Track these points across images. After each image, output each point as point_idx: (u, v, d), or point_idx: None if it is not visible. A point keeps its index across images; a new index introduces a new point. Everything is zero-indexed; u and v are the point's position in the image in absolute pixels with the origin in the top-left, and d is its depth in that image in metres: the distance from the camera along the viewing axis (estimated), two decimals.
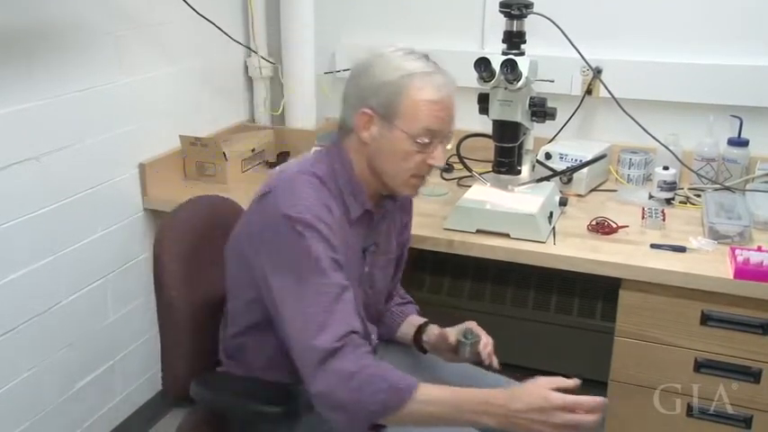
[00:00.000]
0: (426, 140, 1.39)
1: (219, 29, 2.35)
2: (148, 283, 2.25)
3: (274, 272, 1.32)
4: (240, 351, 1.50)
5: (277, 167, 1.47)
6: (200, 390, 1.49)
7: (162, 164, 2.26)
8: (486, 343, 1.53)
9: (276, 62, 2.62)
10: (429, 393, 1.26)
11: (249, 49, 2.60)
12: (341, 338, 1.26)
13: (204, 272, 1.57)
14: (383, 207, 1.53)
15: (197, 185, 2.30)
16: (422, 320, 1.67)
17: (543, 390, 1.21)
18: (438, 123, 1.40)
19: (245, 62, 2.64)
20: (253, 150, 2.44)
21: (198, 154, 2.32)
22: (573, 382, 1.23)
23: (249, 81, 2.68)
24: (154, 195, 2.22)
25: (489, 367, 1.54)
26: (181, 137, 2.31)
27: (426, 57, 1.43)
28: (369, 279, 1.55)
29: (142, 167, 2.19)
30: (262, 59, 2.59)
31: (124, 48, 2.07)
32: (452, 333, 1.55)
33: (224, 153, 2.30)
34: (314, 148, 1.57)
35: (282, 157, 2.54)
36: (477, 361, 1.54)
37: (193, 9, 2.21)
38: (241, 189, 2.29)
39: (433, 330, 1.61)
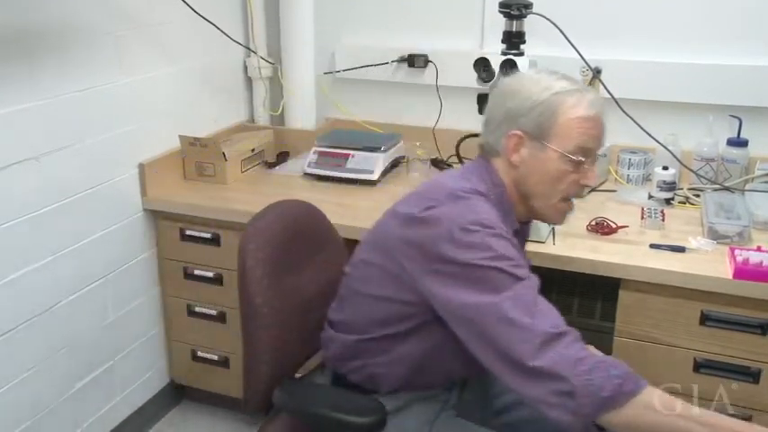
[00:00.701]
0: (581, 159, 1.36)
1: (219, 29, 2.35)
2: (148, 283, 2.28)
3: (464, 287, 1.26)
4: (364, 355, 1.46)
5: (424, 183, 1.44)
6: (285, 398, 1.48)
7: (161, 164, 2.26)
8: None
9: (276, 62, 2.62)
10: (669, 397, 1.16)
11: (249, 49, 2.60)
12: (559, 326, 1.21)
13: (288, 278, 1.56)
14: (524, 230, 1.52)
15: (196, 185, 2.31)
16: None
17: None
18: (592, 141, 1.37)
19: (245, 62, 2.64)
20: (252, 150, 2.45)
21: (197, 154, 2.32)
22: None
23: (249, 81, 2.68)
24: (153, 195, 2.22)
25: None
26: (180, 137, 2.32)
27: (570, 77, 1.41)
28: None
29: (142, 168, 2.19)
30: (261, 60, 2.59)
31: (124, 48, 2.07)
32: None
33: (223, 153, 2.30)
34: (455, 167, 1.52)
35: (282, 157, 2.54)
36: None
37: (193, 9, 2.21)
38: (241, 189, 2.30)
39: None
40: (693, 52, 2.22)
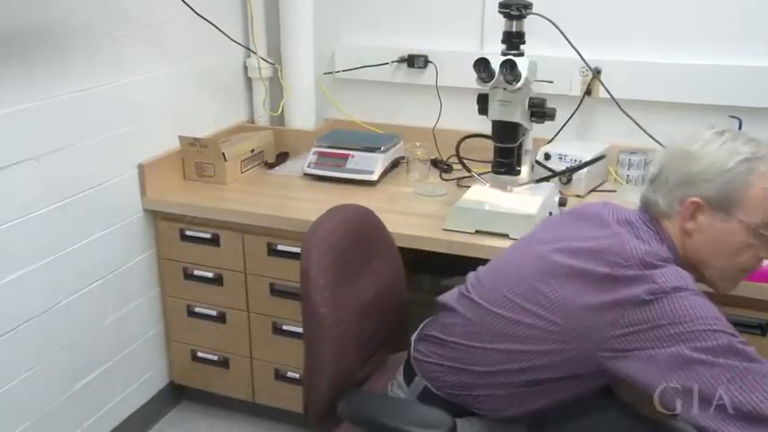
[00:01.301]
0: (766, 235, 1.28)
1: (219, 29, 2.35)
2: (148, 283, 2.28)
3: (695, 334, 1.18)
4: (478, 389, 1.41)
5: (590, 222, 1.38)
6: (351, 409, 1.46)
7: (161, 164, 2.26)
8: None
9: (276, 63, 2.62)
10: None
11: (248, 49, 2.60)
12: None
13: (348, 286, 1.54)
14: None
15: (196, 186, 2.31)
16: None
17: None
18: None
19: (245, 63, 2.64)
20: (252, 151, 2.44)
21: (197, 154, 2.32)
22: None
23: (248, 81, 2.68)
24: (153, 196, 2.22)
25: None
26: (180, 137, 2.32)
27: (754, 138, 1.32)
28: None
29: (141, 168, 2.19)
30: (261, 60, 2.59)
31: (123, 48, 2.07)
32: None
33: (223, 154, 2.30)
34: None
35: (282, 157, 2.54)
36: None
37: (192, 9, 2.21)
38: (240, 190, 2.30)
39: None
40: (693, 53, 2.22)
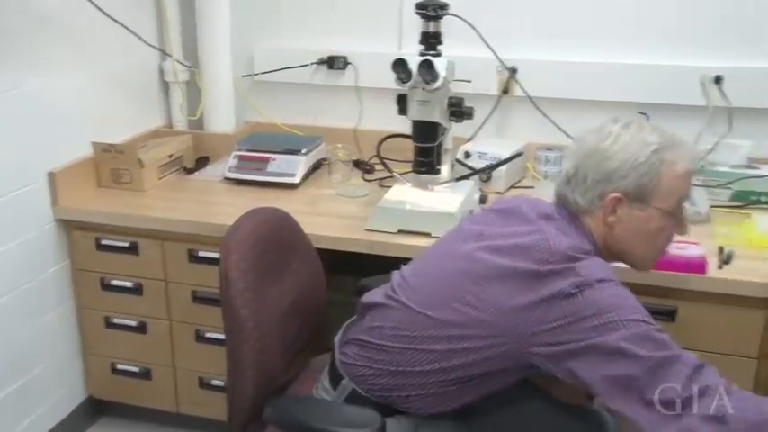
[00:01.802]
0: (683, 213, 1.37)
1: (131, 31, 2.28)
2: (62, 295, 2.20)
3: (618, 325, 1.23)
4: (406, 389, 1.42)
5: (516, 217, 1.41)
6: (277, 414, 1.44)
7: (73, 172, 2.18)
8: None
9: (192, 66, 2.57)
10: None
11: (163, 52, 2.54)
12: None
13: (268, 289, 1.52)
14: None
15: (112, 193, 2.24)
16: None
17: None
18: (689, 192, 1.37)
19: (160, 66, 2.58)
20: (170, 156, 2.39)
21: (112, 161, 2.24)
22: None
23: (165, 85, 2.61)
24: (65, 205, 2.14)
25: None
26: (93, 143, 2.24)
27: (657, 126, 1.39)
28: None
29: (52, 176, 2.10)
30: (177, 63, 2.54)
31: (30, 50, 1.99)
32: None
33: (140, 159, 2.23)
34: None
35: (201, 162, 2.49)
36: None
37: (102, 11, 2.14)
38: (159, 196, 2.24)
39: None
40: (604, 52, 2.30)
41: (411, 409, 1.44)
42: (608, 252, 1.40)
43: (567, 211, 1.41)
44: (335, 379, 1.50)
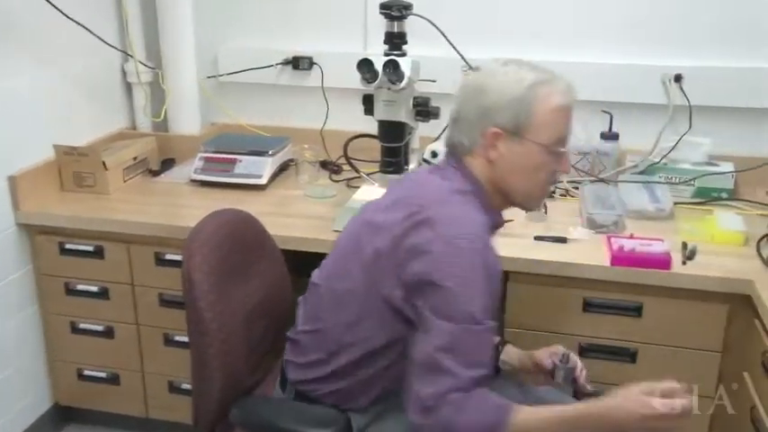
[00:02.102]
0: (561, 149, 1.38)
1: (91, 32, 2.24)
2: (25, 301, 2.16)
3: (441, 290, 1.26)
4: (333, 380, 1.43)
5: (416, 182, 1.44)
6: (244, 415, 1.43)
7: (35, 175, 2.13)
8: (581, 368, 1.51)
9: (156, 67, 2.54)
10: (527, 417, 1.25)
11: (125, 53, 2.50)
12: (473, 381, 1.25)
13: (233, 290, 1.51)
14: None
15: (75, 197, 2.20)
16: (497, 339, 1.60)
17: (642, 397, 1.25)
18: (567, 129, 1.39)
19: (123, 67, 2.54)
20: (135, 159, 2.35)
21: (75, 164, 2.21)
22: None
23: (128, 86, 2.58)
24: (27, 209, 2.10)
25: (582, 393, 1.52)
26: (55, 146, 2.20)
27: (538, 65, 1.40)
28: None
29: (12, 180, 2.06)
30: (140, 64, 2.50)
31: None
32: (544, 356, 1.53)
33: (103, 162, 2.20)
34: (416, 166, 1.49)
35: (167, 164, 2.46)
36: (569, 386, 1.54)
37: (59, 10, 2.10)
38: (124, 199, 2.21)
39: (511, 350, 1.62)
40: (566, 51, 2.32)
41: (345, 404, 1.45)
42: (496, 191, 1.41)
43: (455, 156, 1.42)
44: (283, 381, 1.53)
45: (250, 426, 1.46)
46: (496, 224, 1.45)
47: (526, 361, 1.57)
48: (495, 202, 1.42)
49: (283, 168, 2.39)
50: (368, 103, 1.94)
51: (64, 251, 2.12)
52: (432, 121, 1.99)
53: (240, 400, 1.49)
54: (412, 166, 2.01)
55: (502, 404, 1.25)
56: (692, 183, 2.18)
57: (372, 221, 1.39)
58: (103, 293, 2.14)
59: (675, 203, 2.07)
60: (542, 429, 1.26)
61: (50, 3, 2.07)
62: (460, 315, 1.25)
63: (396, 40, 1.91)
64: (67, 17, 2.12)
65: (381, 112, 1.91)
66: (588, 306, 1.80)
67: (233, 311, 1.51)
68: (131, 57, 2.49)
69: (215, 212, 1.61)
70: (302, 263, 1.92)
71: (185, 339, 2.07)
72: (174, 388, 2.19)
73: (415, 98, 1.92)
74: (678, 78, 2.23)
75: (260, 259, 1.67)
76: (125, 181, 2.30)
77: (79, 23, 2.17)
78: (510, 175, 1.38)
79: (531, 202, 1.47)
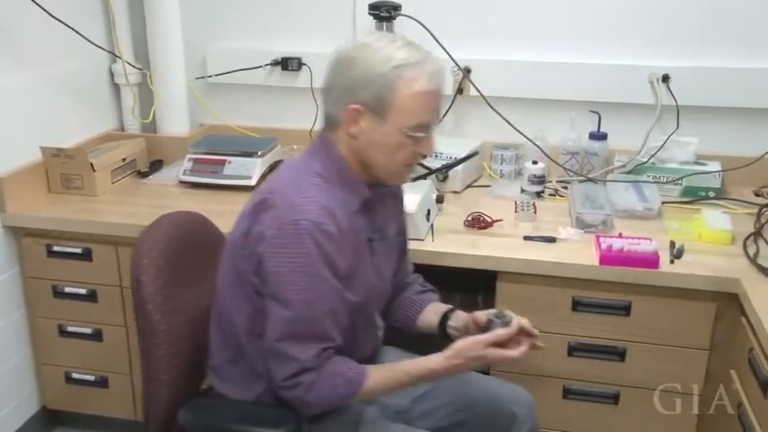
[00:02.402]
0: (420, 135, 1.37)
1: (77, 32, 2.23)
2: (12, 304, 2.15)
3: (276, 276, 1.31)
4: (235, 365, 1.46)
5: (281, 168, 1.46)
6: (192, 417, 1.43)
7: (21, 177, 2.12)
8: (519, 319, 1.47)
9: (144, 68, 2.53)
10: (378, 380, 1.38)
11: (113, 54, 2.49)
12: (316, 357, 1.33)
13: (183, 292, 1.51)
14: (378, 193, 1.48)
15: (63, 199, 2.19)
16: (447, 307, 1.64)
17: (478, 346, 1.38)
18: (431, 115, 1.37)
19: (111, 68, 2.53)
20: (123, 160, 2.34)
21: (62, 166, 2.19)
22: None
23: (116, 88, 2.56)
24: (14, 211, 2.08)
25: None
26: (42, 148, 2.19)
27: (413, 43, 1.37)
28: (377, 268, 1.51)
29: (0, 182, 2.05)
30: (128, 65, 2.49)
31: None
32: (482, 314, 1.53)
33: (91, 164, 2.19)
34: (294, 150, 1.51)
35: (156, 165, 2.45)
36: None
37: (45, 11, 2.08)
38: (112, 201, 2.20)
39: (460, 316, 1.61)
40: (556, 52, 2.33)
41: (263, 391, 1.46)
42: (358, 163, 1.41)
43: (326, 129, 1.42)
44: None
45: (197, 427, 1.45)
46: (365, 199, 1.44)
47: (470, 324, 1.57)
48: (362, 176, 1.42)
49: (273, 169, 2.38)
50: None
51: (51, 253, 2.11)
52: None
53: (189, 401, 1.49)
54: None
55: (352, 376, 1.35)
56: (680, 182, 2.19)
57: (240, 211, 1.42)
58: (91, 296, 2.13)
59: (663, 203, 2.09)
60: (390, 386, 1.40)
61: (36, 3, 2.06)
62: (295, 301, 1.30)
63: None
64: (54, 18, 2.11)
65: None
66: (577, 305, 1.81)
67: (184, 313, 1.51)
68: (119, 58, 2.48)
69: (167, 215, 1.62)
70: None
71: None
72: None
73: None
74: (666, 78, 2.24)
75: (214, 261, 1.65)
76: (113, 182, 2.29)
77: (66, 24, 2.16)
78: (370, 151, 1.38)
79: (392, 179, 1.47)
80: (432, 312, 1.64)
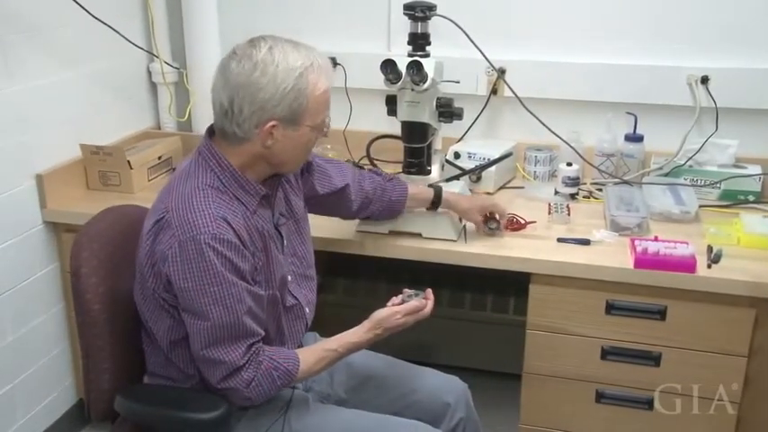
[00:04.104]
0: (326, 123, 1.49)
1: (117, 32, 2.27)
2: (52, 298, 2.19)
3: (185, 292, 1.36)
4: (167, 367, 1.51)
5: (171, 184, 1.48)
6: (127, 403, 1.46)
7: (61, 174, 2.16)
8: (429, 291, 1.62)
9: (181, 67, 2.56)
10: (310, 364, 1.48)
11: (150, 53, 2.52)
12: (244, 355, 1.39)
13: (123, 284, 1.54)
14: (272, 183, 1.54)
15: (101, 196, 2.22)
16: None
17: (396, 315, 1.52)
18: (329, 102, 1.47)
19: (148, 67, 2.57)
20: (159, 158, 2.38)
21: (100, 163, 2.23)
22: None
23: (153, 86, 2.60)
24: (54, 207, 2.12)
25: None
26: (81, 146, 2.23)
27: (291, 41, 1.43)
28: (290, 247, 1.59)
29: (40, 178, 2.09)
30: (165, 64, 2.52)
31: (12, 53, 1.97)
32: (398, 299, 1.61)
33: (128, 161, 2.22)
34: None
35: None
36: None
37: (87, 12, 2.12)
38: (148, 198, 2.20)
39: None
40: (592, 53, 2.31)
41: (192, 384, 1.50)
42: (254, 166, 1.46)
43: (213, 142, 1.45)
44: None
45: (132, 413, 1.49)
46: (262, 196, 1.48)
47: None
48: (254, 175, 1.47)
49: None
50: (391, 103, 1.94)
51: None
52: (455, 123, 1.98)
53: (125, 387, 1.51)
54: (434, 167, 2.01)
55: (288, 366, 1.43)
56: (719, 185, 2.15)
57: (142, 228, 1.46)
58: None
59: (701, 206, 2.05)
60: (321, 366, 1.49)
61: (78, 3, 2.10)
62: (210, 312, 1.35)
63: (419, 41, 1.91)
64: (94, 17, 2.15)
65: (405, 112, 1.91)
66: (611, 309, 1.79)
67: (124, 303, 1.53)
68: (157, 57, 2.51)
69: (109, 208, 1.66)
70: (327, 263, 1.93)
71: None
72: None
73: (438, 99, 1.92)
74: (705, 80, 2.20)
75: None
76: (149, 180, 2.33)
77: (105, 24, 2.20)
78: (283, 155, 1.46)
79: (296, 168, 1.58)
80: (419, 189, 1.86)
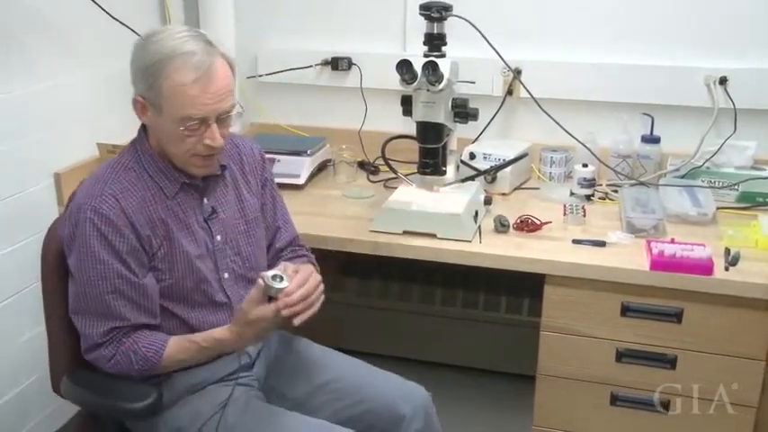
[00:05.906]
0: (194, 126, 1.38)
1: (134, 31, 2.27)
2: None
3: (67, 251, 1.44)
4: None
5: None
6: (69, 388, 1.52)
7: (79, 173, 2.17)
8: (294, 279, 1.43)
9: None
10: (173, 353, 1.46)
11: None
12: (104, 335, 1.43)
13: None
14: (216, 174, 1.54)
15: None
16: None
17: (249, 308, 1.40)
18: (200, 108, 1.36)
19: None
20: None
21: None
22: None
23: None
24: None
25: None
26: (98, 144, 2.24)
27: (201, 35, 1.39)
28: (232, 246, 1.57)
29: (57, 177, 2.10)
30: None
31: (31, 53, 1.99)
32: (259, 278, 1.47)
33: None
34: None
35: None
36: None
37: (106, 12, 2.14)
38: None
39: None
40: (608, 53, 2.30)
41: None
42: (160, 152, 1.47)
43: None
44: None
45: (72, 397, 1.52)
46: (183, 183, 1.49)
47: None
48: (171, 162, 1.47)
49: (321, 168, 2.40)
50: (406, 104, 1.94)
51: None
52: (470, 123, 1.98)
53: (71, 372, 1.55)
54: (449, 167, 2.00)
55: (147, 354, 1.43)
56: (736, 187, 2.13)
57: None
58: None
59: (718, 208, 2.03)
60: (187, 357, 1.47)
61: (96, 3, 2.12)
62: (78, 278, 1.41)
63: (435, 41, 1.90)
64: (111, 16, 2.16)
65: (420, 113, 1.91)
66: (626, 311, 1.78)
67: None
68: None
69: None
70: (341, 262, 1.94)
71: None
72: None
73: (453, 99, 1.92)
74: (723, 81, 2.18)
75: None
76: None
77: (122, 23, 2.21)
78: (162, 141, 1.44)
79: (188, 168, 1.48)
80: None
